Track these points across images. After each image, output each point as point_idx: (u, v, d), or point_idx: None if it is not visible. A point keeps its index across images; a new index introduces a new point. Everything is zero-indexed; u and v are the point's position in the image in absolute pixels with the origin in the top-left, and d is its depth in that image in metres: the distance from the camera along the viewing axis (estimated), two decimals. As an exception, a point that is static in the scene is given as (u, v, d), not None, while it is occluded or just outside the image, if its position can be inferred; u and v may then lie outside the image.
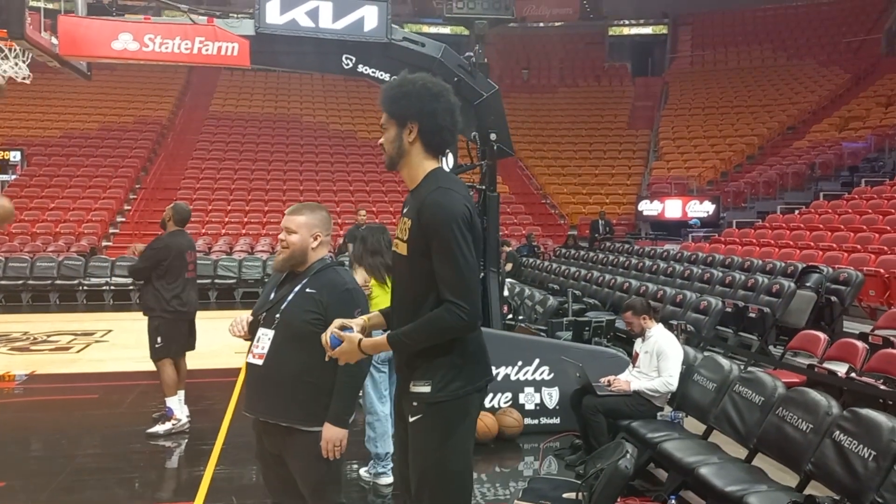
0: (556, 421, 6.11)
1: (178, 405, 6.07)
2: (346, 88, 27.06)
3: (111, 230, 18.97)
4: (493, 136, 6.42)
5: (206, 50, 6.06)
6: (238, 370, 8.35)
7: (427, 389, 2.50)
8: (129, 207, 20.04)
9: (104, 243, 18.09)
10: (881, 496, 3.38)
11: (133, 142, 22.91)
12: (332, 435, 3.01)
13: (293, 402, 3.06)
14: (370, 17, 6.21)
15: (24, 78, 6.53)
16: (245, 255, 16.77)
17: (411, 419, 2.55)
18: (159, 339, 5.95)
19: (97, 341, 10.31)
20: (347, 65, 6.26)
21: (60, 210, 18.85)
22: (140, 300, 6.18)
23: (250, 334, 3.21)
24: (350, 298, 3.11)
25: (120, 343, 10.18)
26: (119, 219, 19.62)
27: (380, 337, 2.54)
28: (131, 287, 14.90)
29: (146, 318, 6.06)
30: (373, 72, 6.31)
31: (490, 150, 6.49)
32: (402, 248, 2.59)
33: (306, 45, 6.23)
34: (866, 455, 3.52)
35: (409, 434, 2.59)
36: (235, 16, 6.17)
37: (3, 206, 6.85)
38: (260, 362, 3.10)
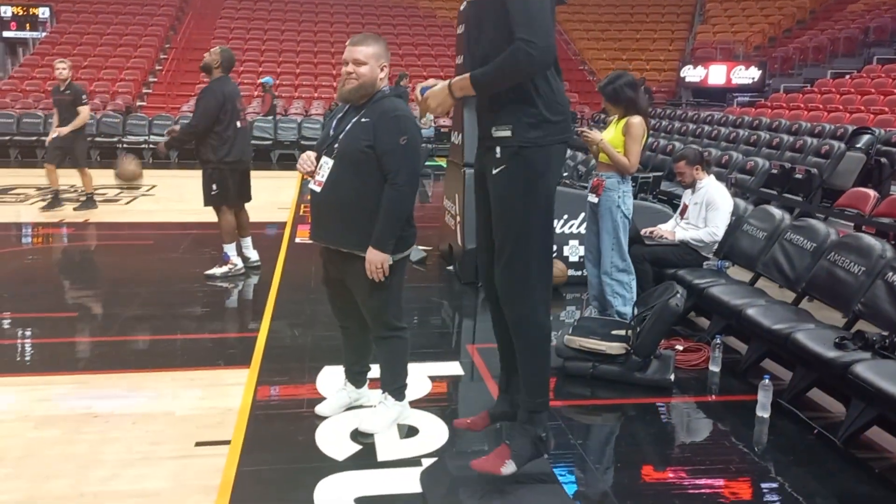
0: (599, 272, 6.24)
1: (234, 251, 6.27)
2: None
3: (144, 90, 18.91)
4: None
5: None
6: (284, 224, 8.57)
7: (508, 133, 2.53)
8: (161, 67, 19.86)
9: (138, 103, 18.09)
10: (930, 331, 3.48)
11: (160, -1, 22.39)
12: (374, 257, 3.13)
13: (351, 228, 3.17)
14: None
15: None
16: (280, 116, 16.70)
17: (494, 171, 2.58)
18: (214, 187, 5.99)
19: (144, 195, 10.55)
20: None
21: (93, 69, 18.74)
22: (196, 153, 6.04)
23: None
24: (397, 125, 3.14)
25: (166, 196, 10.43)
26: (151, 79, 19.50)
27: (464, 77, 2.55)
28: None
29: (201, 168, 6.04)
30: None
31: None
32: None
33: None
34: (919, 294, 3.60)
35: (492, 188, 2.62)
36: None
37: (133, 170, 7.00)
38: (319, 189, 3.21)
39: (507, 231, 2.59)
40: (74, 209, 9.20)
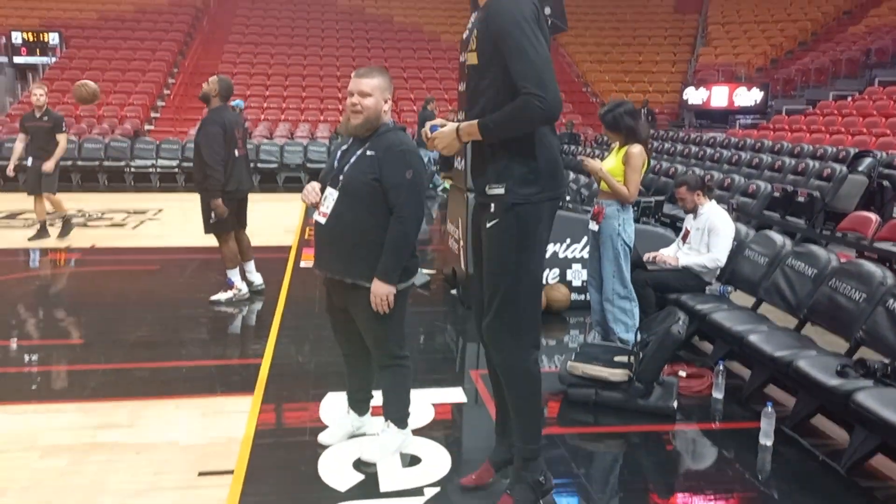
0: (602, 296, 6.25)
1: (238, 276, 6.31)
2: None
3: (153, 114, 19.09)
4: (547, 11, 6.26)
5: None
6: (289, 248, 8.62)
7: (501, 191, 2.60)
8: (169, 92, 20.06)
9: (146, 127, 18.26)
10: (932, 359, 3.48)
11: (169, 24, 22.65)
12: (379, 290, 3.17)
13: (355, 258, 3.22)
14: None
15: None
16: (286, 140, 16.84)
17: (488, 225, 2.65)
18: (213, 215, 6.01)
19: (150, 219, 10.63)
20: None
21: (102, 93, 18.72)
22: (195, 180, 6.06)
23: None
24: (403, 159, 3.19)
25: (173, 221, 10.49)
26: (159, 103, 19.68)
27: (472, 122, 2.61)
28: (176, 170, 15.20)
29: (199, 195, 6.03)
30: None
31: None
32: (472, 59, 2.66)
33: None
34: (920, 321, 3.60)
35: (485, 242, 2.70)
36: None
37: (91, 86, 6.94)
38: (324, 220, 3.26)
39: (497, 283, 2.64)
40: (58, 237, 8.91)
